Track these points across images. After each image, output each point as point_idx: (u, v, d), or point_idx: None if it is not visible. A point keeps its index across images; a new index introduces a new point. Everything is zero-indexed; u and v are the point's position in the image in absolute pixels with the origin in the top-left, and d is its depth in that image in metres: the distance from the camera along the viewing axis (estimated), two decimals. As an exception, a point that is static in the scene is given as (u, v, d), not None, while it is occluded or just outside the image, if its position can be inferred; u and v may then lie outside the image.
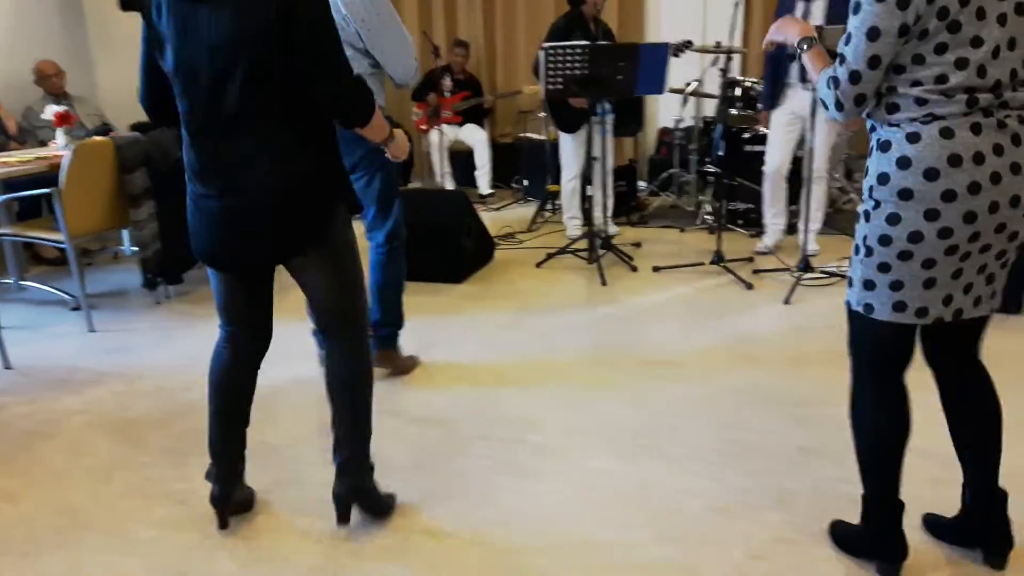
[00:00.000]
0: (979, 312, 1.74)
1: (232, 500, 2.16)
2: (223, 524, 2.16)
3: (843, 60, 1.62)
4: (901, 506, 1.86)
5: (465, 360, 3.32)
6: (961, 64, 1.56)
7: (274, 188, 1.85)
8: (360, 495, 2.12)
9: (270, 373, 3.20)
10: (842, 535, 2.02)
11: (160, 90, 1.95)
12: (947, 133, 1.57)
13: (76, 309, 4.11)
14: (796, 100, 4.31)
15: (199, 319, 3.96)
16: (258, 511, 2.25)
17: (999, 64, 1.57)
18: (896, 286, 1.69)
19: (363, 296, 2.09)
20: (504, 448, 2.57)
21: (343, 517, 2.12)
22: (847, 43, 1.61)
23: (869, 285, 1.73)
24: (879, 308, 1.73)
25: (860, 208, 1.74)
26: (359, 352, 2.09)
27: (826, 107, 1.69)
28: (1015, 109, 1.61)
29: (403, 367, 3.17)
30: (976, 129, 1.57)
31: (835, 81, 1.64)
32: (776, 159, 4.49)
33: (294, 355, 3.34)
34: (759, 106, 4.97)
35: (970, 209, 1.58)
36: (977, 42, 1.56)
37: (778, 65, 4.36)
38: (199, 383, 3.15)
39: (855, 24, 1.59)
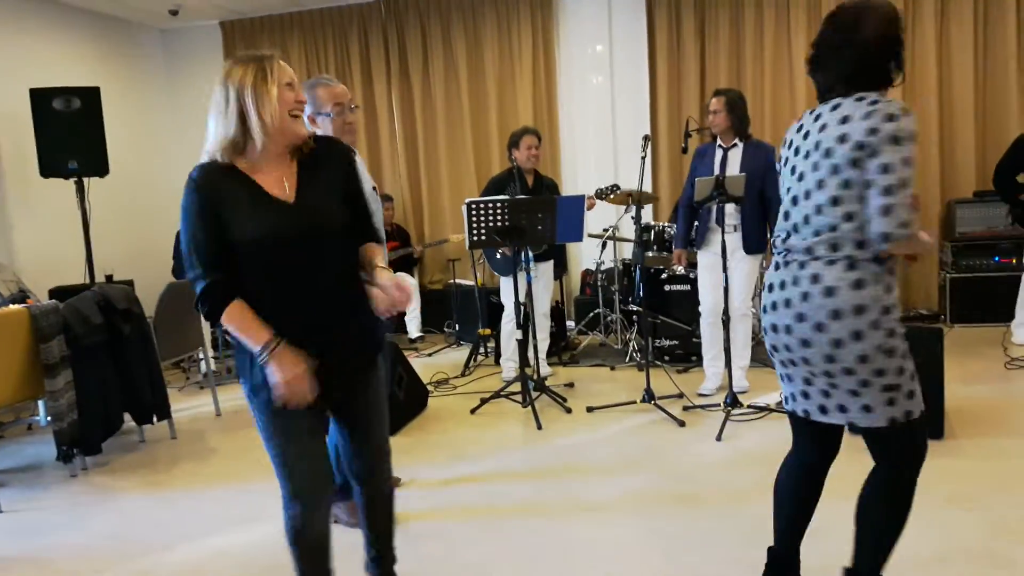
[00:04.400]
0: (826, 419, 2.07)
1: None
2: None
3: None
4: None
5: (400, 512, 3.22)
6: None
7: None
8: None
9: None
10: None
11: None
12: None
13: (-19, 488, 3.84)
14: (717, 243, 4.52)
15: (118, 492, 3.75)
16: None
17: (796, 211, 2.06)
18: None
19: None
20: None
21: None
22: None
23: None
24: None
25: None
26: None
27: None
28: (795, 253, 2.04)
29: None
30: (776, 265, 2.12)
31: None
32: (709, 300, 4.64)
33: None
34: (672, 246, 5.24)
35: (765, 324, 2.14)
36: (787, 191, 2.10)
37: (694, 212, 4.59)
38: (116, 564, 2.95)
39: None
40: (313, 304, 2.00)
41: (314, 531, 2.11)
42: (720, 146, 4.52)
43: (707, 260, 4.63)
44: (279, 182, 2.00)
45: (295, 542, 2.10)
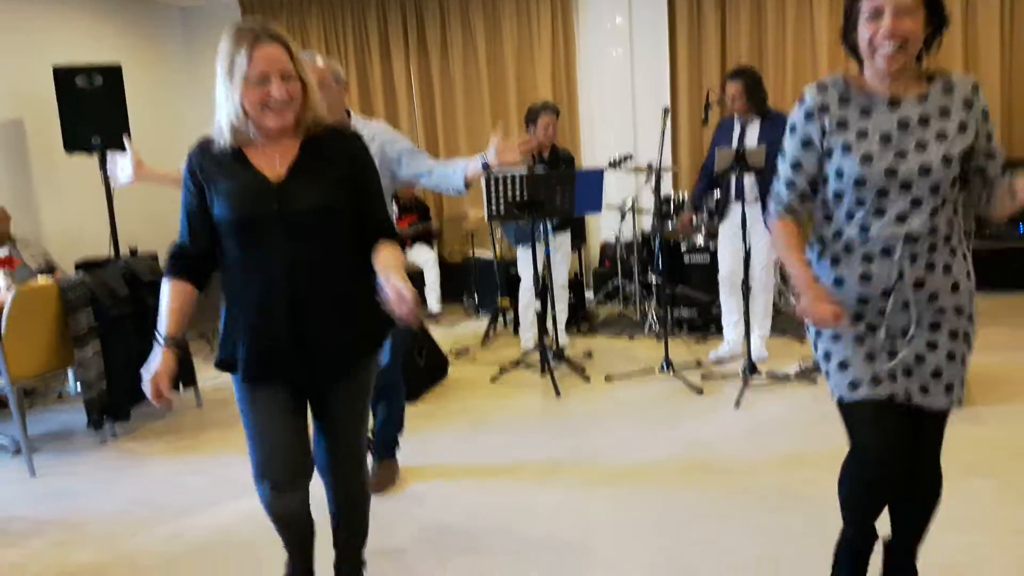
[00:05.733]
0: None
1: None
2: None
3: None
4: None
5: (419, 482, 3.28)
6: None
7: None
8: None
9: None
10: None
11: None
12: None
13: (17, 454, 3.96)
14: (737, 214, 4.52)
15: (147, 458, 3.85)
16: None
17: None
18: None
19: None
20: (456, 574, 2.52)
21: None
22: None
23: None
24: None
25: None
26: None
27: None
28: None
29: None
30: None
31: None
32: (726, 267, 4.67)
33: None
34: (684, 210, 5.27)
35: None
36: None
37: (714, 182, 4.60)
38: (145, 528, 3.04)
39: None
40: (283, 288, 1.92)
41: (287, 513, 2.10)
42: (739, 119, 4.51)
43: (727, 231, 4.64)
44: (271, 161, 1.94)
45: (271, 518, 2.11)
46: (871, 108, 1.82)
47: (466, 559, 2.63)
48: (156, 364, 1.91)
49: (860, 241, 1.85)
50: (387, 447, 3.31)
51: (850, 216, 1.85)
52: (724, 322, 4.84)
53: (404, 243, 2.13)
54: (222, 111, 1.88)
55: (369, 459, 2.93)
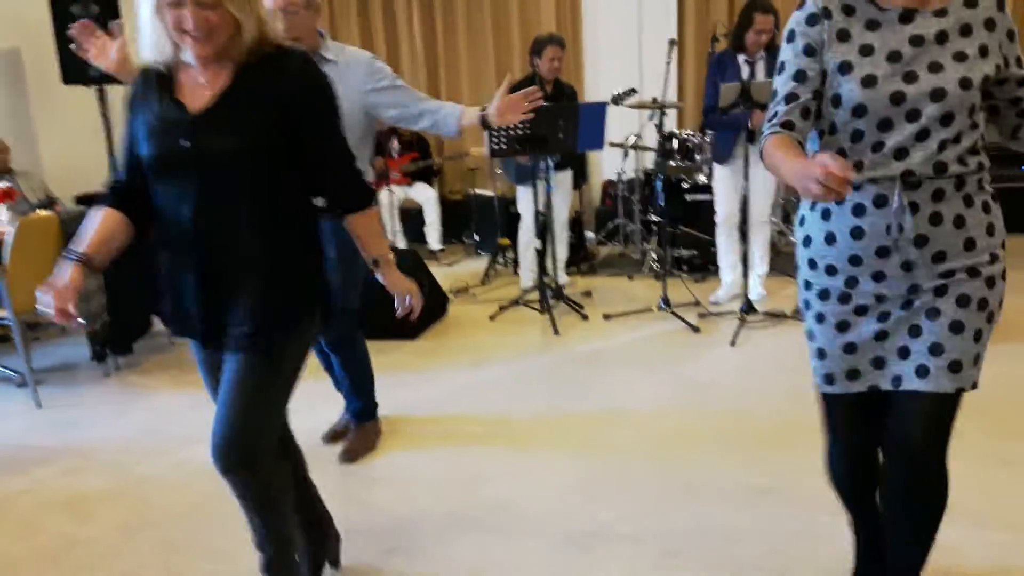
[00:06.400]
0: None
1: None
2: None
3: None
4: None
5: (420, 416, 3.34)
6: None
7: None
8: None
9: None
10: None
11: None
12: None
13: (22, 386, 4.03)
14: (739, 155, 4.45)
15: (150, 391, 3.91)
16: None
17: None
18: None
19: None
20: (461, 505, 2.59)
21: None
22: None
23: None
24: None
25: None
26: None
27: None
28: None
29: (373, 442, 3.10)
30: None
31: None
32: (724, 208, 4.63)
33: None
34: (695, 157, 5.19)
35: None
36: None
37: (725, 125, 4.49)
38: (152, 456, 3.12)
39: None
40: (193, 243, 1.69)
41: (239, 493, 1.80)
42: (747, 60, 4.39)
43: (726, 171, 4.57)
44: (200, 90, 1.67)
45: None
46: (879, 22, 1.54)
47: (464, 486, 2.70)
48: (61, 279, 1.65)
49: (851, 187, 1.53)
50: (357, 413, 3.06)
51: (840, 155, 1.55)
52: (721, 264, 4.83)
53: (374, 194, 1.86)
54: (145, 28, 1.64)
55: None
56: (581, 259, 6.01)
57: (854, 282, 1.63)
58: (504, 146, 4.44)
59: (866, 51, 1.54)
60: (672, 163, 5.51)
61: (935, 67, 1.51)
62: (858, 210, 1.58)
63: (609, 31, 6.80)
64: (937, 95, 1.50)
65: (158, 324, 4.43)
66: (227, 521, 2.53)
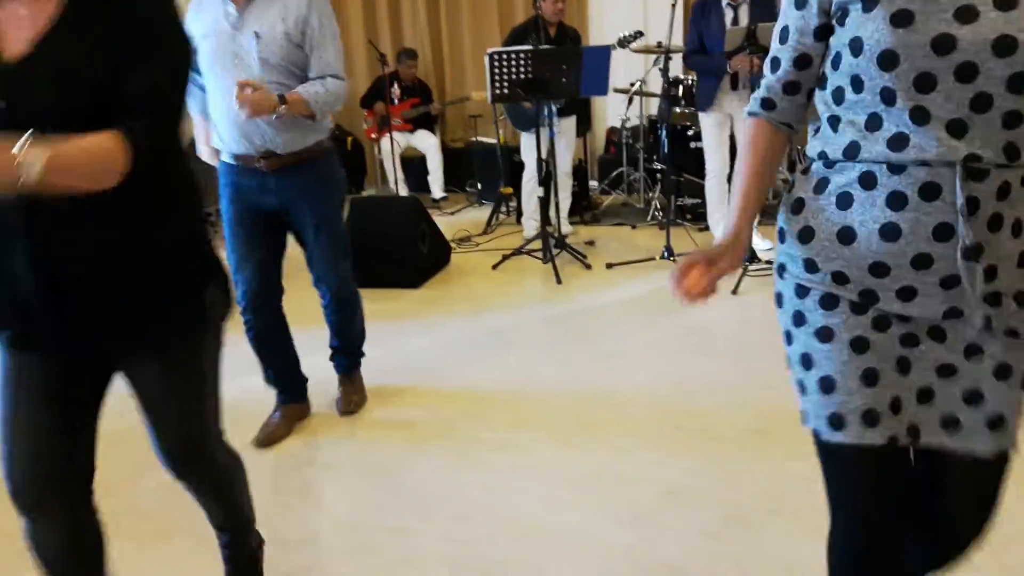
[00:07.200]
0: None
1: None
2: None
3: None
4: None
5: (422, 363, 3.37)
6: None
7: None
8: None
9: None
10: None
11: None
12: None
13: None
14: (726, 103, 4.40)
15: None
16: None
17: None
18: None
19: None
20: (463, 446, 2.63)
21: None
22: None
23: None
24: None
25: None
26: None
27: None
28: None
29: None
30: None
31: None
32: (716, 160, 4.58)
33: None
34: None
35: None
36: None
37: (708, 69, 4.42)
38: None
39: None
40: (21, 230, 1.28)
41: (47, 545, 1.48)
42: (730, 4, 4.29)
43: (713, 119, 4.50)
44: (19, 28, 1.25)
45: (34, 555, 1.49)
46: None
47: (465, 428, 2.73)
48: None
49: (888, 168, 1.10)
50: (349, 367, 3.00)
51: (873, 123, 1.11)
52: (711, 218, 4.77)
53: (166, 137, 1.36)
54: None
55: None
56: (584, 208, 5.98)
57: (870, 299, 1.17)
58: (506, 90, 4.38)
59: None
60: (677, 109, 5.43)
61: (1005, 2, 1.02)
62: (896, 201, 1.10)
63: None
64: (1005, 46, 1.01)
65: None
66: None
